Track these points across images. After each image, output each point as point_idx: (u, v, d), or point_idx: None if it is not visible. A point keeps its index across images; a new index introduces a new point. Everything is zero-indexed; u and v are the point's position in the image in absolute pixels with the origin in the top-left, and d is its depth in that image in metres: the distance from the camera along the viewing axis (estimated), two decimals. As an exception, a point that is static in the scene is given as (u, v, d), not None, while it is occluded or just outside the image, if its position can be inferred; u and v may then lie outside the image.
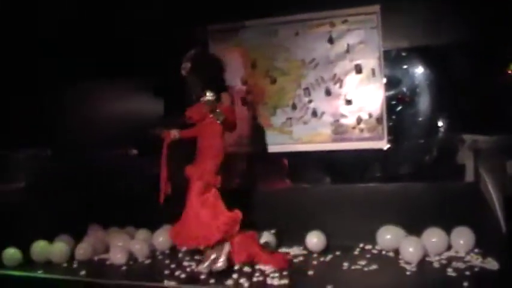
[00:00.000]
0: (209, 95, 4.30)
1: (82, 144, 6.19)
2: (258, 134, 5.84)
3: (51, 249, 5.29)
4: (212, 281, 4.21)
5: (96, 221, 5.88)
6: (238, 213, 4.51)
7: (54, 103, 6.37)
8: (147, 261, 5.12)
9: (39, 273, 4.85)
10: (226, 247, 4.46)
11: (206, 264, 4.47)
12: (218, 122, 4.44)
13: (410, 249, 4.48)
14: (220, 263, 4.40)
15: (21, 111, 5.85)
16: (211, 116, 4.43)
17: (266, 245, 4.87)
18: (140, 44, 5.77)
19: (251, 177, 5.88)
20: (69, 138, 6.33)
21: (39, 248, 5.29)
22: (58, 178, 5.64)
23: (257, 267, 4.50)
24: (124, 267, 4.94)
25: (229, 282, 4.16)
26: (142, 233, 5.57)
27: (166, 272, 4.59)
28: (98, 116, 6.25)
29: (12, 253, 5.14)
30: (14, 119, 5.77)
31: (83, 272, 4.76)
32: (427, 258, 4.49)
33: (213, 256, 4.46)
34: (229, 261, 4.46)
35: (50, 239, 5.43)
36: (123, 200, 5.80)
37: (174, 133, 4.79)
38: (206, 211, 4.47)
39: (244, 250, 4.50)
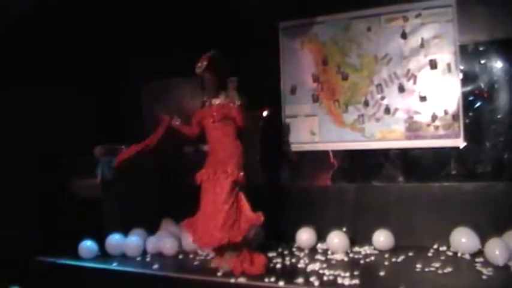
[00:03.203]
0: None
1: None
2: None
3: (126, 242, 5.48)
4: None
5: (170, 216, 5.99)
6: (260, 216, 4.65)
7: (129, 102, 6.58)
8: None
9: (114, 266, 5.02)
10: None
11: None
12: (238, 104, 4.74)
13: (497, 252, 4.33)
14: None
15: (97, 110, 6.09)
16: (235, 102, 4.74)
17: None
18: (213, 41, 5.85)
19: (322, 175, 5.84)
20: (144, 135, 6.51)
21: (114, 241, 5.48)
22: (134, 174, 5.79)
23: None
24: (196, 262, 5.06)
25: (300, 280, 4.14)
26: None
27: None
28: (172, 113, 6.40)
29: (88, 245, 5.35)
30: (91, 119, 6.02)
31: (155, 266, 4.90)
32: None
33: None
34: None
35: (125, 232, 5.61)
36: (196, 194, 5.90)
37: (175, 120, 5.19)
38: (233, 209, 4.60)
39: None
